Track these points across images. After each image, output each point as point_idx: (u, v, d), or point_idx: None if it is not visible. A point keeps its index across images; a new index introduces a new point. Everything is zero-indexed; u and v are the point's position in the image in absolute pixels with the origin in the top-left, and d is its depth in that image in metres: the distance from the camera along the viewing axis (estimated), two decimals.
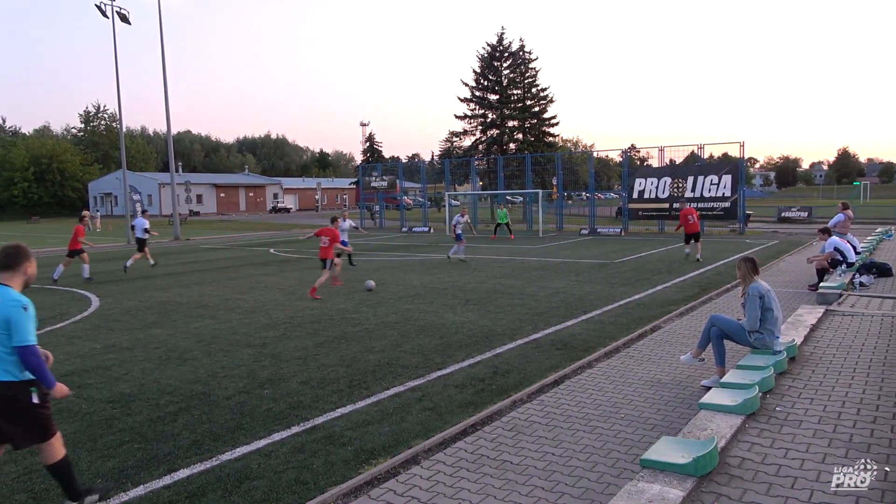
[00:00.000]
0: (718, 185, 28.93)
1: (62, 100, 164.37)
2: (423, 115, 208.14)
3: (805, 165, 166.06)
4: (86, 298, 13.69)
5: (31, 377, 3.93)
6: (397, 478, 4.56)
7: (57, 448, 4.09)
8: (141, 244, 19.81)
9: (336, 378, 7.10)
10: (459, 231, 19.34)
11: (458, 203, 43.95)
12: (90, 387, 7.07)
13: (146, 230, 19.83)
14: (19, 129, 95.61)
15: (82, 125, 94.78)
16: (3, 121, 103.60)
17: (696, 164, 30.44)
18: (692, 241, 18.44)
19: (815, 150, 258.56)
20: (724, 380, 5.82)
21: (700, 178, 29.39)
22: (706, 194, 29.12)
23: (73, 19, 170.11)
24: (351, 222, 19.88)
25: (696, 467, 3.96)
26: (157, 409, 6.23)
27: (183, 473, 4.75)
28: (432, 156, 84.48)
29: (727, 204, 28.78)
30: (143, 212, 20.71)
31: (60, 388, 4.05)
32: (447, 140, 53.04)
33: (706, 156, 31.74)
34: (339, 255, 14.70)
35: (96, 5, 32.78)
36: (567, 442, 5.10)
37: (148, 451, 5.20)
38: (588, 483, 4.36)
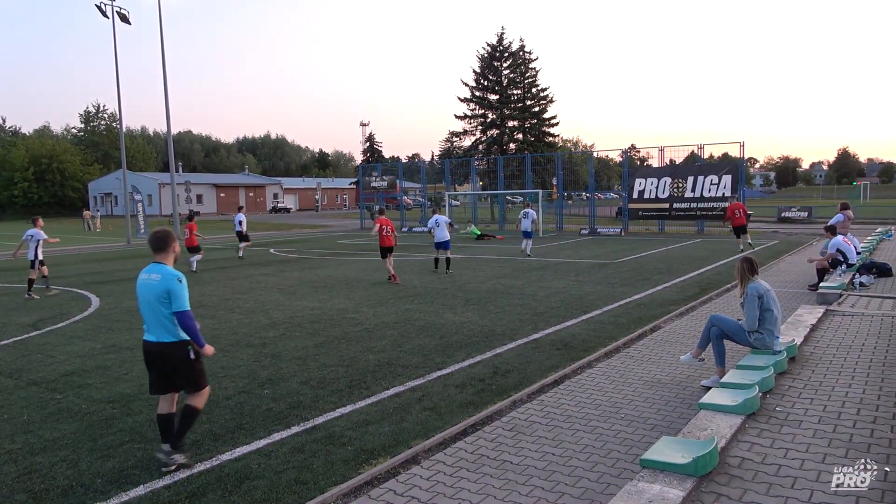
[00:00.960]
0: (718, 185, 28.93)
1: (62, 100, 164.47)
2: (423, 115, 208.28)
3: (805, 165, 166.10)
4: (86, 298, 13.69)
5: (187, 337, 4.80)
6: (397, 478, 4.56)
7: (202, 399, 4.99)
8: (241, 236, 22.89)
9: (336, 378, 7.10)
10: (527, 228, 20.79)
11: (459, 203, 43.95)
12: (90, 387, 7.07)
13: (240, 223, 22.68)
14: (19, 129, 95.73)
15: (82, 125, 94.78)
16: (3, 121, 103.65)
17: (696, 164, 30.44)
18: (741, 235, 20.44)
19: (815, 150, 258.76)
20: (724, 380, 5.82)
21: (700, 178, 29.39)
22: (706, 194, 29.12)
23: (73, 19, 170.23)
24: None
25: (696, 467, 3.96)
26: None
27: (183, 473, 4.75)
28: (432, 156, 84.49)
29: (727, 204, 28.76)
30: (240, 208, 23.47)
31: (209, 348, 4.96)
32: (447, 140, 53.04)
33: (706, 156, 31.74)
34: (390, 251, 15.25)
35: (96, 5, 32.76)
36: (567, 442, 5.10)
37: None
38: (588, 483, 4.36)
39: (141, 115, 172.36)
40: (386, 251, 15.09)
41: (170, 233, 5.05)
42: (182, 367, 4.86)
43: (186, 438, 5.07)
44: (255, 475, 4.68)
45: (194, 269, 18.17)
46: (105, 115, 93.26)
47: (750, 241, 20.70)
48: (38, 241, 14.24)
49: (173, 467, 4.76)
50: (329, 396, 6.43)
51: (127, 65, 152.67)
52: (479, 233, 30.17)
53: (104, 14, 32.91)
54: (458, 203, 45.43)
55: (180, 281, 4.77)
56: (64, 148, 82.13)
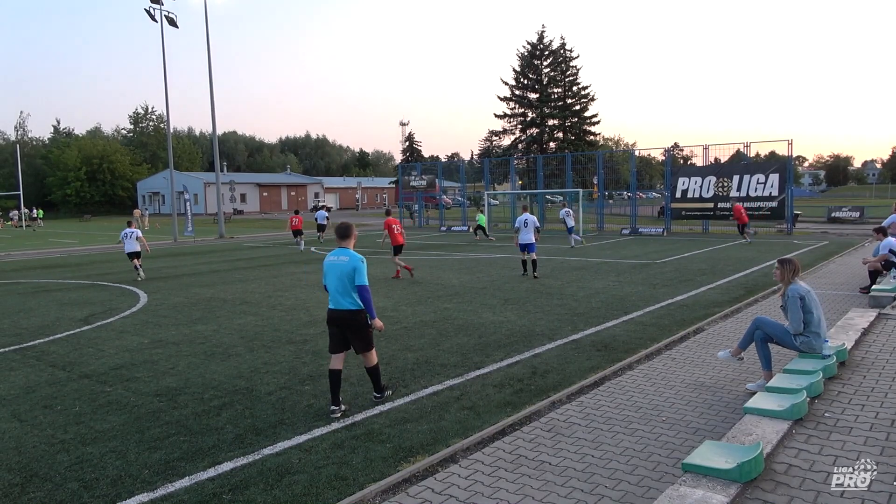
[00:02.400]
0: (765, 184, 28.20)
1: (113, 102, 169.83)
2: (463, 115, 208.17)
3: (857, 164, 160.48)
4: (134, 294, 14.10)
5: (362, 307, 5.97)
6: (435, 476, 4.57)
7: (373, 357, 6.16)
8: (321, 228, 29.58)
9: None
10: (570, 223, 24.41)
11: (497, 202, 43.79)
12: (138, 380, 7.29)
13: (327, 218, 29.44)
14: (72, 130, 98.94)
15: (132, 126, 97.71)
16: (58, 122, 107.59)
17: (741, 163, 29.71)
18: (745, 230, 24.31)
19: (867, 148, 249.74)
20: (770, 384, 5.67)
21: (746, 177, 28.69)
22: (752, 193, 28.41)
23: (123, 24, 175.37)
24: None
25: (740, 473, 3.87)
26: (201, 403, 6.38)
27: (226, 466, 4.86)
28: (472, 155, 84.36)
29: (774, 203, 28.04)
30: (325, 207, 28.62)
31: (378, 322, 6.08)
32: (486, 139, 53.08)
33: (752, 154, 30.95)
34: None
35: (146, 10, 33.75)
36: (607, 444, 5.04)
37: (193, 444, 5.33)
38: (628, 486, 4.30)
39: (187, 115, 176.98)
40: (397, 249, 15.90)
41: (352, 225, 6.36)
42: (360, 331, 6.02)
43: (383, 384, 6.41)
44: (295, 470, 4.76)
45: (302, 248, 24.93)
46: (153, 117, 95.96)
47: (750, 234, 24.83)
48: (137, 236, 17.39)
49: (389, 393, 6.37)
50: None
51: (174, 67, 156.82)
52: (484, 222, 29.82)
53: (153, 18, 33.87)
54: (498, 202, 45.26)
55: (363, 262, 6.01)
56: (114, 148, 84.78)
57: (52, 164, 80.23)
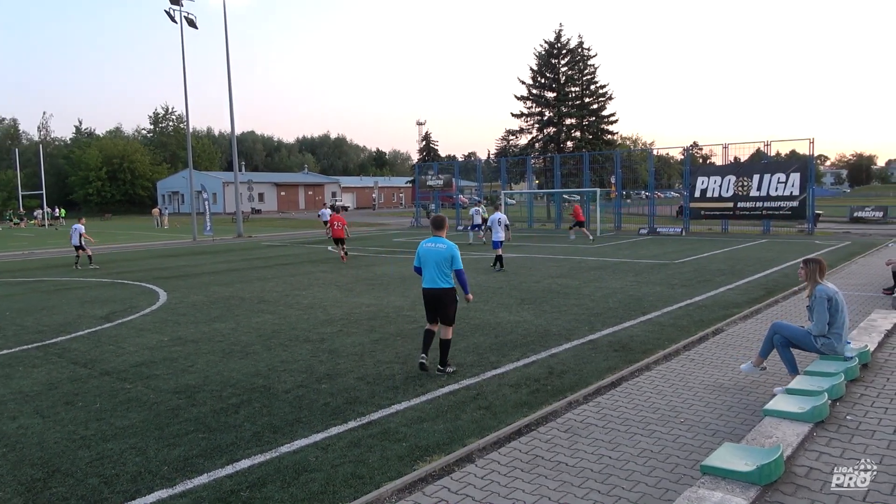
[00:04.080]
0: (786, 183, 27.83)
1: (133, 102, 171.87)
2: (480, 114, 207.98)
3: (881, 163, 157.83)
4: (154, 293, 14.26)
5: (453, 286, 7.12)
6: (452, 475, 4.57)
7: (450, 332, 7.22)
8: (326, 224, 29.21)
9: (392, 374, 7.18)
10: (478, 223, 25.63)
11: (515, 202, 43.73)
12: (158, 377, 7.37)
13: (330, 216, 27.27)
14: (93, 130, 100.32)
15: (151, 126, 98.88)
16: (80, 122, 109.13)
17: (762, 162, 29.37)
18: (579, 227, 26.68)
19: (891, 147, 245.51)
20: (791, 386, 5.60)
21: (766, 177, 28.34)
22: (773, 193, 28.06)
23: (143, 25, 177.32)
24: None
25: (760, 475, 3.82)
26: (220, 401, 6.44)
27: (244, 464, 4.90)
28: (488, 154, 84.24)
29: (795, 203, 27.66)
30: (340, 206, 29.18)
31: (470, 296, 7.37)
32: (503, 138, 52.90)
33: (773, 153, 30.56)
34: None
35: (166, 11, 34.10)
36: (624, 445, 5.00)
37: (211, 441, 5.38)
38: (646, 488, 4.27)
39: (206, 115, 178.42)
40: (338, 241, 20.33)
41: (445, 217, 7.60)
42: (450, 305, 7.12)
43: (449, 358, 7.27)
44: (312, 468, 4.78)
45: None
46: (173, 117, 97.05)
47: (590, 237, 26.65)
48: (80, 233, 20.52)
49: (451, 370, 7.13)
50: (385, 392, 6.50)
51: (193, 67, 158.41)
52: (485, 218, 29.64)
53: (173, 20, 34.22)
54: (515, 202, 45.14)
55: (457, 249, 7.15)
56: (134, 148, 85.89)
57: (74, 163, 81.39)
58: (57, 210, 61.70)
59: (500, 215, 17.97)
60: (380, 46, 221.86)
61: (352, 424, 5.65)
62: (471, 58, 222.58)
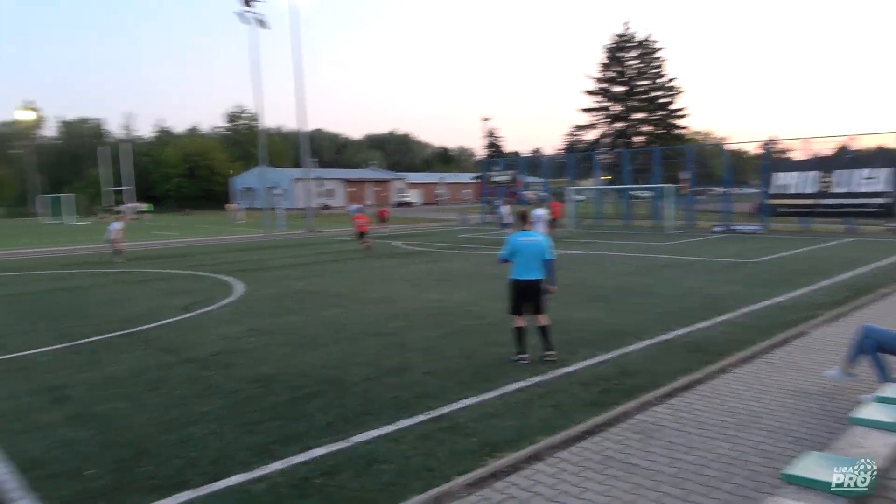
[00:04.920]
0: (874, 179, 26.26)
1: (209, 101, 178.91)
2: (546, 109, 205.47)
3: None
4: (230, 285, 14.81)
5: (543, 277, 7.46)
6: (520, 472, 4.55)
7: (546, 318, 7.48)
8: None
9: (460, 369, 7.21)
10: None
11: (584, 198, 43.05)
12: (236, 366, 7.66)
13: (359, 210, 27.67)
14: (173, 129, 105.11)
15: (227, 124, 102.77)
16: (160, 122, 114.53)
17: (846, 157, 27.82)
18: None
19: None
20: (882, 393, 5.28)
21: (852, 172, 26.82)
22: (859, 189, 26.54)
23: (217, 26, 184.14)
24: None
25: (850, 488, 3.62)
26: (294, 391, 6.63)
27: (317, 452, 5.02)
28: (555, 150, 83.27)
29: (885, 200, 26.06)
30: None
31: (554, 287, 7.72)
32: (570, 134, 52.08)
33: (859, 147, 28.89)
34: None
35: (237, 13, 35.26)
36: (700, 449, 4.85)
37: (286, 429, 5.55)
38: (723, 494, 4.13)
39: (277, 113, 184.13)
40: (360, 235, 23.07)
41: (528, 211, 8.36)
42: (541, 295, 7.43)
43: (553, 343, 7.52)
44: (383, 458, 4.86)
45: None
46: (246, 116, 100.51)
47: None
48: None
49: (553, 356, 7.35)
50: (453, 387, 6.54)
51: (264, 65, 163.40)
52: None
53: (245, 21, 35.36)
54: (584, 198, 44.41)
55: (548, 240, 7.56)
56: (211, 146, 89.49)
57: (155, 161, 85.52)
58: (141, 205, 64.98)
59: (541, 211, 20.23)
60: (445, 42, 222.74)
61: (421, 418, 5.71)
62: (537, 53, 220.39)
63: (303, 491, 4.40)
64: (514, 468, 4.63)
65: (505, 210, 28.61)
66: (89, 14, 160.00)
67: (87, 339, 9.33)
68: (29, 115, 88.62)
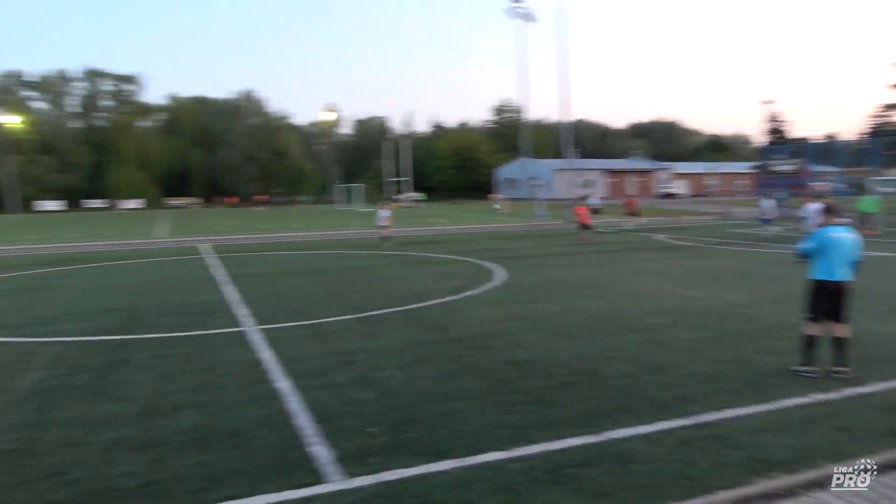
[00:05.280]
0: None
1: (479, 96, 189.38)
2: (841, 89, 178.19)
3: None
4: (492, 271, 15.54)
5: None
6: (798, 498, 4.06)
7: (847, 330, 6.55)
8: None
9: (728, 376, 6.64)
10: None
11: (893, 191, 36.49)
12: (495, 348, 8.03)
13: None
14: (445, 124, 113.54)
15: (494, 118, 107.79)
16: (434, 118, 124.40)
17: None
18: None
19: None
20: None
21: None
22: None
23: (485, 25, 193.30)
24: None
25: None
26: (549, 378, 6.74)
27: (572, 442, 5.04)
28: (855, 134, 71.77)
29: None
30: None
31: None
32: (876, 115, 44.42)
33: None
34: None
35: (504, 10, 36.57)
36: None
37: (542, 415, 5.66)
38: None
39: (540, 104, 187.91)
40: (582, 226, 23.70)
41: (839, 204, 7.23)
42: (849, 300, 6.53)
43: (850, 358, 6.54)
44: (639, 458, 4.69)
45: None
46: (512, 109, 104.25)
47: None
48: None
49: (847, 373, 6.42)
50: (719, 394, 6.05)
51: (530, 58, 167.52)
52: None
53: (514, 17, 36.53)
54: (893, 190, 37.58)
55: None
56: (478, 139, 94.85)
57: (429, 154, 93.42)
58: (417, 194, 71.57)
59: (815, 206, 18.01)
60: (716, 22, 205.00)
61: (681, 422, 5.38)
62: (826, 23, 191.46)
63: (557, 478, 4.45)
64: (791, 492, 4.14)
65: (768, 204, 25.22)
66: (376, 26, 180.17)
67: (370, 313, 10.56)
68: (330, 116, 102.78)
